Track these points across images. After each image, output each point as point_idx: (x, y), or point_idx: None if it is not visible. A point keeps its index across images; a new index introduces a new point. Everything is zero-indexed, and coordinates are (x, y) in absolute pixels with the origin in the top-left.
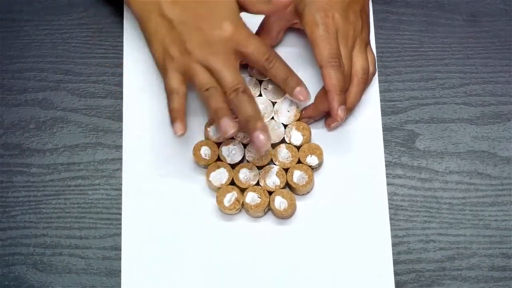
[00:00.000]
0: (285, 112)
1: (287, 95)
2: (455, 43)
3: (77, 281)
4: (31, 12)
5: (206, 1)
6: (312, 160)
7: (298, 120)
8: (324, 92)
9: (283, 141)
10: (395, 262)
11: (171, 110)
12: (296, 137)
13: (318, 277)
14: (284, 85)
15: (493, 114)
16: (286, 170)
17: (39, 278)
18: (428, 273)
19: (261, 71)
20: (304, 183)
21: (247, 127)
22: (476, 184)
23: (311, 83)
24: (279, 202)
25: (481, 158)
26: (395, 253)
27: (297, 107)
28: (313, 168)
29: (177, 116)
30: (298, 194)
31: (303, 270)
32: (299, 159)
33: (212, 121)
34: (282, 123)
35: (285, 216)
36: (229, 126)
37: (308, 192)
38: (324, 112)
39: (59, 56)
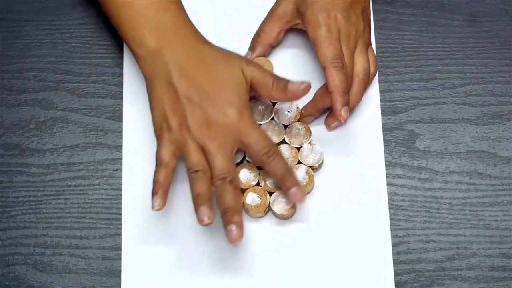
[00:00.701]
0: (286, 112)
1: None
2: (455, 43)
3: (77, 281)
4: (31, 12)
5: (216, 79)
6: (313, 160)
7: (299, 120)
8: (323, 90)
9: (283, 141)
10: (395, 262)
11: (155, 182)
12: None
13: (319, 277)
14: (280, 183)
15: (493, 114)
16: None
17: (39, 278)
18: (428, 273)
19: (258, 163)
20: (304, 183)
21: (223, 217)
22: (476, 184)
23: (312, 84)
24: (279, 203)
25: (481, 158)
26: (395, 253)
27: (297, 107)
28: (314, 169)
29: (158, 189)
30: None
31: (303, 270)
32: (299, 160)
33: (193, 204)
34: (282, 124)
35: (285, 217)
36: (205, 215)
37: (308, 193)
38: (323, 109)
39: (59, 56)
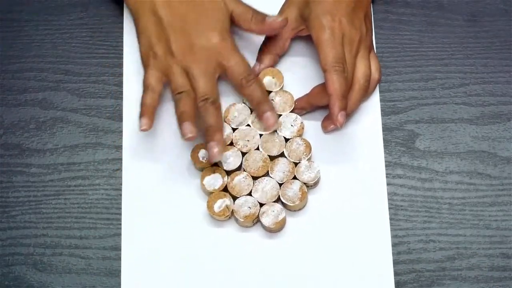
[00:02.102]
0: (289, 126)
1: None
2: (455, 43)
3: (77, 281)
4: (31, 12)
5: (199, 7)
6: (308, 177)
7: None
8: (321, 89)
9: (282, 155)
10: (395, 262)
11: (142, 104)
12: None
13: (318, 277)
14: (256, 107)
15: (493, 114)
16: (281, 184)
17: (39, 278)
18: (428, 273)
19: (237, 88)
20: (297, 201)
21: (206, 136)
22: (476, 184)
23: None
24: (268, 216)
25: (481, 158)
26: (395, 253)
27: (301, 122)
28: (309, 186)
29: (146, 111)
30: (290, 210)
31: (303, 270)
32: (295, 176)
33: (177, 122)
34: (284, 137)
35: (273, 230)
36: (188, 130)
37: (300, 209)
38: (317, 107)
39: (59, 56)
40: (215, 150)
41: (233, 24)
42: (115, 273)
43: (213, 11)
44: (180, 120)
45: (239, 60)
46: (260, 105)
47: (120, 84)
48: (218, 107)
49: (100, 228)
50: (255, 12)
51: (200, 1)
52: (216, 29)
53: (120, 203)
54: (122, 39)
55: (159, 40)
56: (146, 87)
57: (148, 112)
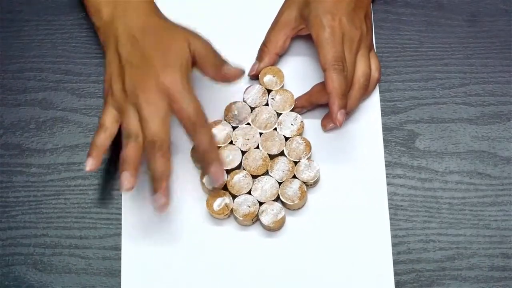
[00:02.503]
0: (289, 125)
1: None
2: (455, 43)
3: (77, 281)
4: (31, 12)
5: (160, 45)
6: (308, 176)
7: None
8: (321, 88)
9: (282, 153)
10: (395, 262)
11: (92, 144)
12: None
13: (318, 276)
14: (202, 156)
15: (493, 114)
16: (281, 183)
17: (39, 278)
18: (428, 273)
19: (186, 132)
20: (296, 200)
21: (151, 184)
22: (476, 184)
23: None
24: (267, 215)
25: (481, 158)
26: (395, 253)
27: (302, 121)
28: (308, 185)
29: (93, 151)
30: (289, 209)
31: (302, 269)
32: (294, 175)
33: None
34: (284, 136)
35: (272, 229)
36: (126, 180)
37: (299, 208)
38: (317, 105)
39: (59, 56)
40: (160, 201)
41: (194, 66)
42: (115, 273)
43: (175, 50)
44: (121, 168)
45: (190, 104)
46: (205, 154)
47: None
48: (165, 152)
49: (100, 228)
50: (217, 56)
51: (162, 38)
52: (173, 69)
53: (120, 203)
54: None
55: (117, 78)
56: (100, 125)
57: (96, 153)
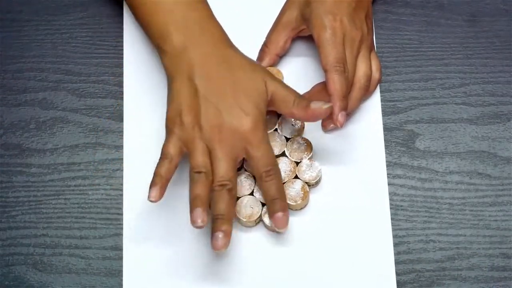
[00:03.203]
0: (290, 125)
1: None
2: (455, 43)
3: (77, 281)
4: (31, 12)
5: (238, 86)
6: (310, 176)
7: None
8: (321, 87)
9: (283, 154)
10: (395, 262)
11: (156, 174)
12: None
13: (321, 277)
14: (269, 203)
15: (493, 114)
16: (283, 183)
17: (39, 278)
18: (428, 273)
19: (256, 178)
20: (299, 200)
21: (213, 223)
22: (476, 184)
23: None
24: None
25: (481, 158)
26: (395, 253)
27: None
28: (310, 185)
29: (158, 182)
30: (292, 209)
31: (305, 269)
32: (296, 175)
33: (190, 204)
34: (285, 136)
35: (275, 230)
36: (199, 217)
37: (302, 208)
38: None
39: (59, 56)
40: (219, 242)
41: (271, 106)
42: (115, 273)
43: (252, 94)
44: (193, 205)
45: (266, 152)
46: (273, 202)
47: (120, 84)
48: (233, 196)
49: (100, 228)
50: (298, 95)
51: (240, 78)
52: (251, 114)
53: (120, 203)
54: (122, 39)
55: (189, 110)
56: (164, 155)
57: (161, 184)
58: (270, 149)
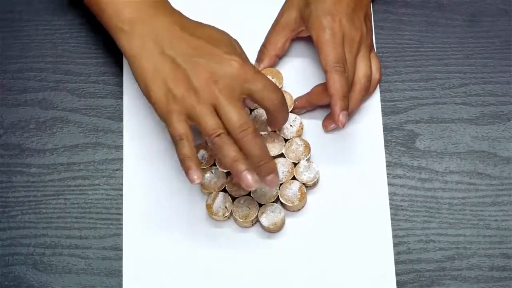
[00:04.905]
0: (288, 126)
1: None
2: (455, 43)
3: (77, 281)
4: (31, 12)
5: (209, 39)
6: (307, 178)
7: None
8: (321, 89)
9: (281, 155)
10: (395, 262)
11: (183, 158)
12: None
13: (318, 278)
14: (271, 122)
15: (493, 114)
16: (280, 185)
17: (39, 278)
18: (428, 273)
19: (265, 109)
20: (296, 201)
21: (259, 170)
22: (476, 184)
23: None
24: (267, 217)
25: (481, 158)
26: (395, 253)
27: (301, 122)
28: (308, 186)
29: (191, 163)
30: (289, 211)
31: (303, 271)
32: (294, 176)
33: (228, 168)
34: (283, 137)
35: (272, 231)
36: (251, 178)
37: (299, 210)
38: (317, 106)
39: (59, 56)
40: (274, 179)
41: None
42: (115, 273)
43: (224, 38)
44: (236, 168)
45: (266, 81)
46: (280, 123)
47: (120, 84)
48: (258, 135)
49: (100, 228)
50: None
51: (206, 31)
52: (233, 54)
53: (120, 203)
54: None
55: (176, 81)
56: (178, 137)
57: (193, 163)
58: (268, 78)
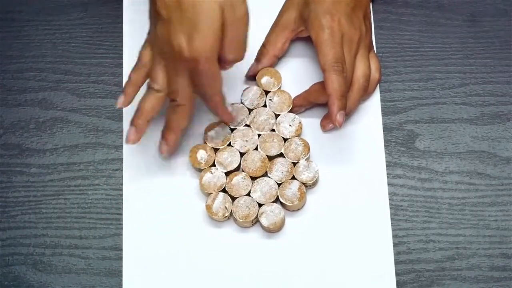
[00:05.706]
0: (287, 125)
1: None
2: (455, 43)
3: (77, 281)
4: (31, 12)
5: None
6: (307, 177)
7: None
8: (319, 87)
9: (280, 155)
10: (395, 262)
11: (128, 79)
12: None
13: (318, 278)
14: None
15: (493, 114)
16: (280, 184)
17: (39, 278)
18: (428, 273)
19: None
20: (295, 201)
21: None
22: (476, 184)
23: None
24: (267, 217)
25: (481, 158)
26: (395, 253)
27: (300, 122)
28: (307, 186)
29: (128, 87)
30: (289, 210)
31: (302, 270)
32: (293, 176)
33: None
34: (283, 137)
35: (272, 230)
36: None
37: (298, 209)
38: (315, 104)
39: (59, 56)
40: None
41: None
42: (115, 273)
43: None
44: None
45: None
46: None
47: (120, 84)
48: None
49: (100, 228)
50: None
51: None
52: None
53: (120, 203)
54: (122, 39)
55: (181, 31)
56: (138, 60)
57: (131, 89)
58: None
